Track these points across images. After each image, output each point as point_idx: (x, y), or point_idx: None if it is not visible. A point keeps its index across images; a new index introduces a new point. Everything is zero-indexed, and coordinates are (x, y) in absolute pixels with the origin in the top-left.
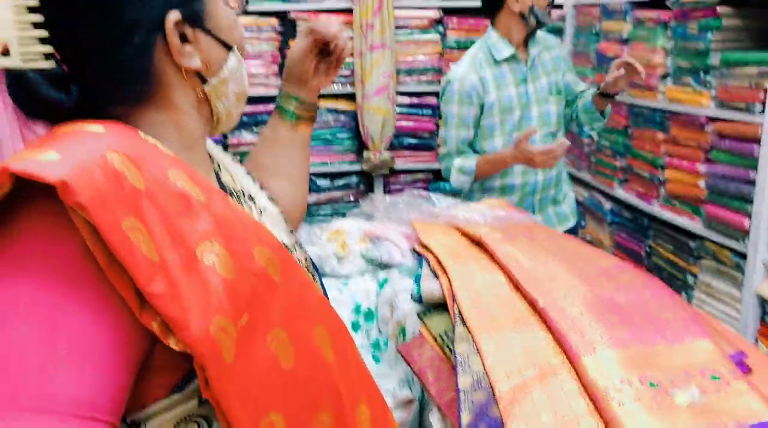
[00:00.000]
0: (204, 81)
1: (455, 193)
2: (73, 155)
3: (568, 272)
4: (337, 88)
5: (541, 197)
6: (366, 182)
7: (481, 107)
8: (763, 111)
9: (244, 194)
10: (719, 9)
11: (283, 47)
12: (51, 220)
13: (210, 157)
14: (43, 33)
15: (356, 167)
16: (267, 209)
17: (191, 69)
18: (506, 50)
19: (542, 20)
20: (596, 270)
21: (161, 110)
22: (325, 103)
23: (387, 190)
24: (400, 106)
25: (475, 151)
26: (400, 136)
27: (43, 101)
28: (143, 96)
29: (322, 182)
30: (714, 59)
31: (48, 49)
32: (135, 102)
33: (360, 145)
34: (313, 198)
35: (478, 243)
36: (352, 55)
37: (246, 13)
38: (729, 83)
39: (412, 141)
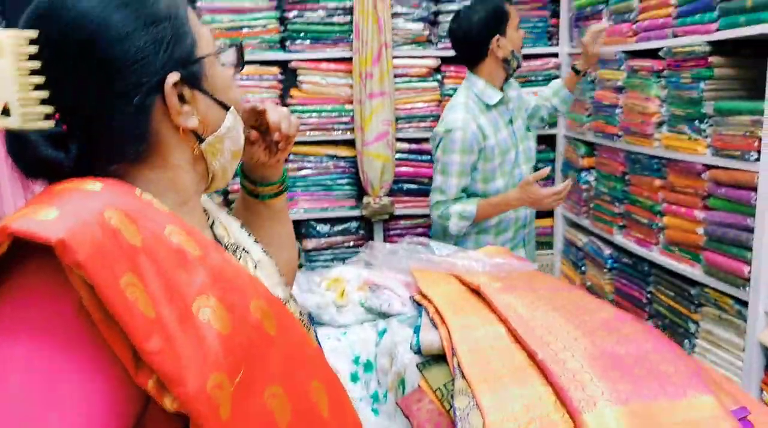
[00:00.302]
0: (200, 139)
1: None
2: (70, 214)
3: (568, 323)
4: (337, 135)
5: (528, 230)
6: (366, 228)
7: (479, 152)
8: (758, 159)
9: (238, 247)
10: (710, 59)
11: (284, 96)
12: (48, 278)
13: (205, 211)
14: (45, 94)
15: (356, 213)
16: (262, 261)
17: (188, 128)
18: (495, 96)
19: (520, 62)
20: (596, 322)
21: (157, 168)
22: (325, 150)
23: (387, 236)
24: (399, 152)
25: (470, 195)
26: (400, 181)
27: (42, 160)
28: (141, 154)
29: (322, 228)
30: (708, 108)
31: (49, 109)
32: (132, 160)
33: (360, 191)
34: (313, 243)
35: (477, 292)
36: (351, 102)
37: (248, 62)
38: (723, 131)
39: (412, 186)
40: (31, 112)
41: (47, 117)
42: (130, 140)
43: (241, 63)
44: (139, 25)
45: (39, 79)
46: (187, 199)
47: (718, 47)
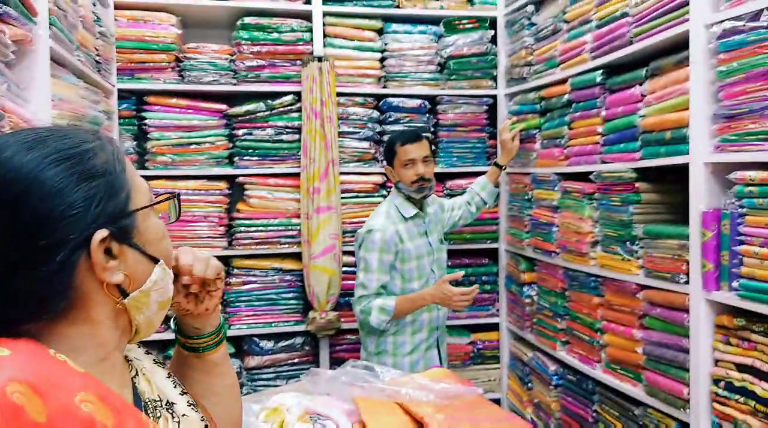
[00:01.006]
0: (125, 294)
1: None
2: None
3: None
4: (283, 248)
5: (441, 332)
6: (311, 343)
7: (396, 254)
8: (687, 282)
9: (161, 402)
10: (637, 184)
11: (230, 210)
12: None
13: (129, 361)
14: None
15: (301, 328)
16: (187, 416)
17: (113, 283)
18: (411, 210)
19: (408, 195)
20: None
21: (77, 324)
22: (270, 263)
23: (333, 351)
24: (346, 265)
25: (389, 294)
26: (347, 295)
27: None
28: (60, 311)
29: (265, 344)
30: (638, 230)
31: None
32: (51, 317)
33: (305, 305)
34: (255, 361)
35: (421, 423)
36: (298, 216)
37: (194, 177)
38: (654, 253)
39: None
40: None
41: None
42: (51, 296)
43: (177, 214)
44: (73, 182)
45: None
46: (107, 355)
47: (644, 173)
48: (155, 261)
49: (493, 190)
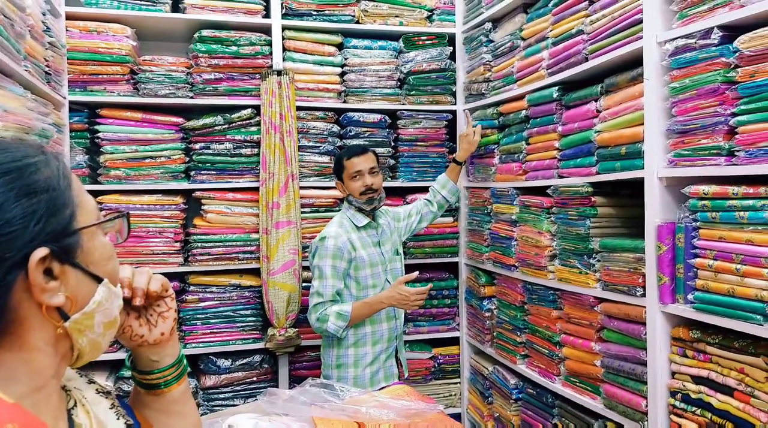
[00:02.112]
0: (66, 317)
1: None
2: None
3: None
4: (241, 264)
5: (399, 341)
6: (270, 361)
7: (350, 262)
8: (644, 294)
9: None
10: (594, 198)
11: (186, 225)
12: None
13: (68, 391)
14: None
15: (260, 345)
16: None
17: (52, 305)
18: (363, 220)
19: (359, 206)
20: None
21: (11, 350)
22: (228, 279)
23: (292, 369)
24: (306, 281)
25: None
26: (307, 311)
27: None
28: None
29: (223, 362)
30: (594, 244)
31: None
32: None
33: (264, 322)
34: (212, 380)
35: None
36: (257, 231)
37: (149, 192)
38: (611, 267)
39: None
40: None
41: None
42: None
43: (127, 233)
44: (11, 197)
45: None
46: (43, 384)
47: (600, 188)
48: (99, 280)
49: (454, 187)
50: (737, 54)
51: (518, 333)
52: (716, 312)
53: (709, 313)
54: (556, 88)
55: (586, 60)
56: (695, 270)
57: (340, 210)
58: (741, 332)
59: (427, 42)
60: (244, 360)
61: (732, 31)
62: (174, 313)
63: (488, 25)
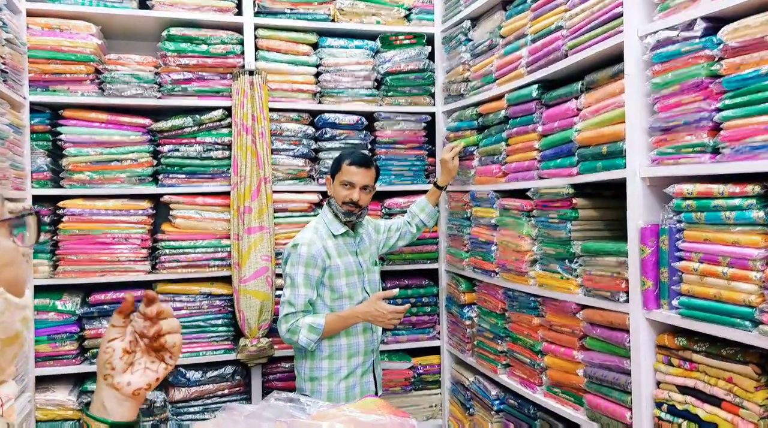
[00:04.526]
0: None
1: None
2: None
3: None
4: (212, 271)
5: (376, 356)
6: (242, 373)
7: (324, 270)
8: (627, 300)
9: None
10: (575, 200)
11: (154, 231)
12: None
13: None
14: None
15: (231, 356)
16: None
17: None
18: (341, 228)
19: (335, 212)
20: None
21: None
22: (198, 287)
23: (265, 381)
24: (279, 289)
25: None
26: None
27: None
28: None
29: (193, 374)
30: (576, 247)
31: None
32: None
33: (236, 332)
34: (181, 393)
35: None
36: (228, 237)
37: (115, 196)
38: (593, 271)
39: None
40: None
41: None
42: None
43: (37, 236)
44: None
45: None
46: None
47: (581, 189)
48: None
49: (433, 210)
50: (721, 46)
51: (499, 342)
52: (702, 319)
53: (695, 319)
54: (536, 86)
55: (566, 56)
56: (680, 274)
57: (316, 214)
58: (729, 339)
59: (405, 41)
60: (215, 372)
61: (716, 22)
62: (166, 373)
63: (467, 24)
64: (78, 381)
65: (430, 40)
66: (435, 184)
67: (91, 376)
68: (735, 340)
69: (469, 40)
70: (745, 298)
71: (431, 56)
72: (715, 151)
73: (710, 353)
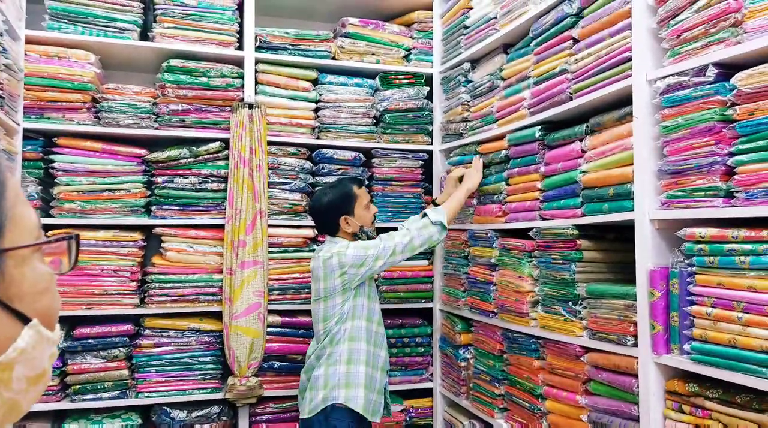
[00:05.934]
0: None
1: None
2: None
3: None
4: (201, 306)
5: (387, 379)
6: (229, 413)
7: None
8: (635, 344)
9: None
10: (579, 242)
11: (145, 264)
12: None
13: None
14: None
15: (218, 395)
16: None
17: None
18: None
19: (371, 235)
20: None
21: None
22: (187, 322)
23: (253, 422)
24: (271, 326)
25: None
26: (270, 359)
27: None
28: None
29: (178, 414)
30: (581, 289)
31: None
32: None
33: (224, 370)
34: None
35: None
36: (220, 271)
37: (106, 227)
38: (598, 314)
39: (283, 364)
40: None
41: None
42: None
43: (73, 260)
44: None
45: None
46: None
47: (584, 231)
48: (26, 320)
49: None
50: (734, 91)
51: (496, 385)
52: (716, 364)
53: (708, 365)
54: (539, 127)
55: (571, 99)
56: (692, 318)
57: (312, 250)
58: (744, 386)
59: (404, 81)
60: (201, 412)
61: (726, 68)
62: None
63: (467, 65)
64: (56, 418)
65: (428, 80)
66: (433, 201)
67: (72, 413)
68: (751, 387)
69: (469, 81)
70: (761, 344)
71: (429, 96)
72: (729, 194)
73: (724, 400)
